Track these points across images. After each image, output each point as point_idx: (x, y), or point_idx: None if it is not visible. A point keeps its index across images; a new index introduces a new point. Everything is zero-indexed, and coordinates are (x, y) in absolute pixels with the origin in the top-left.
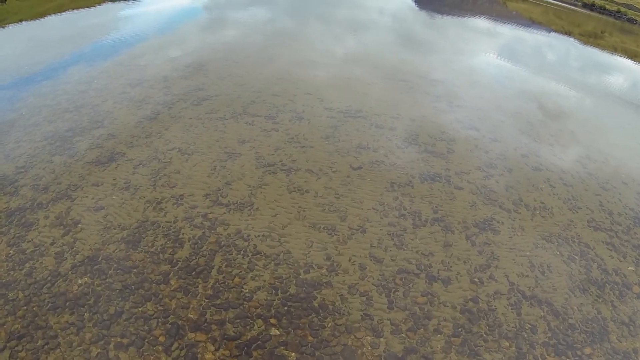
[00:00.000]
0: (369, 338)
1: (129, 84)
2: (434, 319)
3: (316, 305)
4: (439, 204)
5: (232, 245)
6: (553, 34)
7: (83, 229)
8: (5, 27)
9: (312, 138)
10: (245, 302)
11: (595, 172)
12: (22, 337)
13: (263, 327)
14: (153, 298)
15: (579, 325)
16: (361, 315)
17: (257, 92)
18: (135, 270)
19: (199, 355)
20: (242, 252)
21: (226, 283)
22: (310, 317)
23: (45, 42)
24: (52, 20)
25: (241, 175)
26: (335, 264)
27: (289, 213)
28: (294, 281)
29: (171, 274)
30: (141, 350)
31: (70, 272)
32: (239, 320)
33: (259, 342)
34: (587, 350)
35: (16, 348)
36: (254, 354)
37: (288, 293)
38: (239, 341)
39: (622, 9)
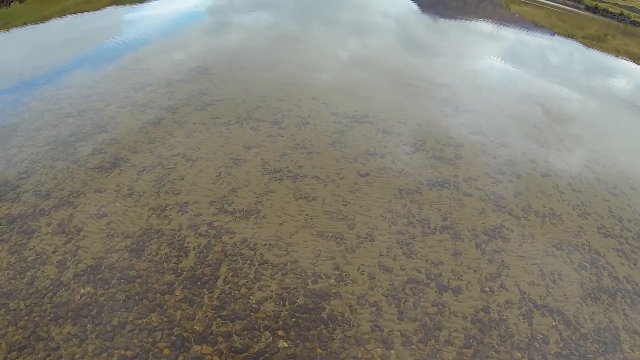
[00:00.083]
0: (379, 350)
1: (132, 88)
2: (444, 330)
3: (325, 316)
4: (448, 211)
5: (238, 254)
6: (556, 37)
7: (85, 236)
8: (9, 30)
9: (319, 144)
10: (252, 314)
11: (603, 178)
12: (23, 348)
13: (271, 339)
14: (157, 309)
15: (591, 335)
16: (371, 327)
17: (262, 96)
18: (139, 279)
19: None
20: (248, 262)
21: (232, 293)
22: (319, 328)
23: (48, 45)
24: (56, 23)
25: (247, 182)
26: (343, 274)
27: (296, 221)
28: (302, 291)
29: (176, 284)
30: None
31: (72, 282)
32: (246, 332)
33: (267, 355)
34: None
35: None
36: None
37: (296, 304)
38: (246, 354)
39: (625, 12)
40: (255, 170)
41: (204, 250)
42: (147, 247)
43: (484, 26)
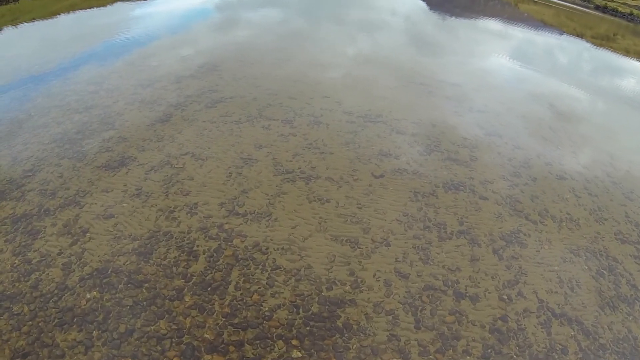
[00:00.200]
0: None
1: (140, 84)
2: (462, 340)
3: (340, 325)
4: (464, 215)
5: (250, 258)
6: (565, 37)
7: (92, 238)
8: (17, 26)
9: (332, 144)
10: (264, 322)
11: (619, 181)
12: (27, 355)
13: (284, 349)
14: (166, 316)
15: (610, 346)
16: (387, 336)
17: (273, 94)
18: (146, 284)
19: None
20: (260, 267)
21: (244, 300)
22: (334, 337)
23: (56, 41)
24: (64, 19)
25: (258, 183)
26: (359, 280)
27: (310, 224)
28: (317, 299)
29: (185, 290)
30: None
31: (78, 285)
32: (258, 342)
33: None
34: None
35: None
36: None
37: (310, 312)
38: None
39: (635, 12)
40: (267, 171)
41: (215, 254)
42: (156, 250)
43: (493, 25)
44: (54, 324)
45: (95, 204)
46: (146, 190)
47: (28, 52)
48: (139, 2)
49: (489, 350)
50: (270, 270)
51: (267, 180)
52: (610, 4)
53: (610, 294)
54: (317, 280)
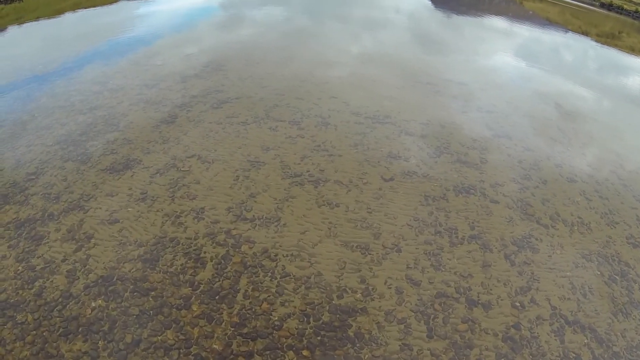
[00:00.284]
0: None
1: (145, 84)
2: (475, 349)
3: (351, 334)
4: (476, 219)
5: (259, 265)
6: (570, 34)
7: (97, 244)
8: (22, 25)
9: (340, 146)
10: (274, 331)
11: (630, 184)
12: None
13: (295, 359)
14: (173, 325)
15: (624, 354)
16: (400, 346)
17: (280, 94)
18: (153, 293)
19: None
20: (269, 274)
21: (253, 309)
22: (345, 347)
23: (60, 40)
24: (68, 18)
25: (266, 186)
26: (370, 288)
27: (319, 230)
28: (327, 307)
29: (193, 298)
30: None
31: (82, 294)
32: (268, 352)
33: None
34: None
35: None
36: None
37: (321, 321)
38: None
39: None
40: (275, 174)
41: (222, 261)
42: (162, 256)
43: (498, 23)
44: (58, 333)
45: (100, 208)
46: (152, 194)
47: (32, 51)
48: (143, 0)
49: (502, 359)
50: (280, 278)
51: (275, 184)
52: (616, 2)
53: (623, 300)
54: (328, 288)
